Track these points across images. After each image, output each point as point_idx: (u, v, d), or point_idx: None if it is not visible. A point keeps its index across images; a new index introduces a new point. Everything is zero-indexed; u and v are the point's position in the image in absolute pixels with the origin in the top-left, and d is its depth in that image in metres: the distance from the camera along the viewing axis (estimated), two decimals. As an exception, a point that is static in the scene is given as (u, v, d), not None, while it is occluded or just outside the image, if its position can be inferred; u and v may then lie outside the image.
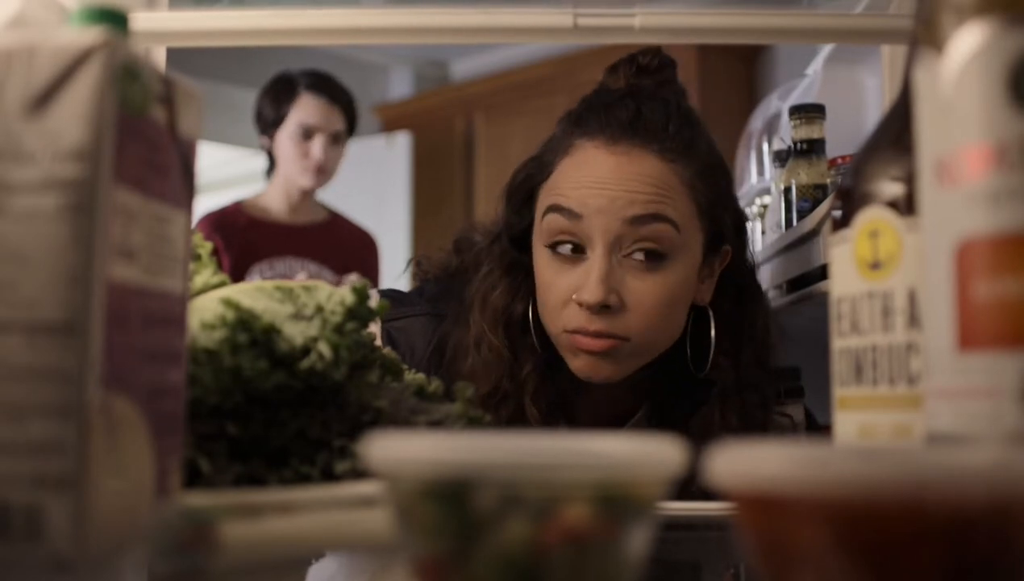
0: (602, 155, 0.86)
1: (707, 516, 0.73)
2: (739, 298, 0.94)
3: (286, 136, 2.27)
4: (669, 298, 0.86)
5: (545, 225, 0.88)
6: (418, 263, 1.09)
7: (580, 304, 0.85)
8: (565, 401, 0.93)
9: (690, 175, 0.87)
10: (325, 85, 2.30)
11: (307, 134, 2.26)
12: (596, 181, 0.85)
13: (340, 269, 2.26)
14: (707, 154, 0.91)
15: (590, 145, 0.87)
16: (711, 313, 0.92)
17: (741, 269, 0.95)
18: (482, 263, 0.97)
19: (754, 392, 0.93)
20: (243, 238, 2.22)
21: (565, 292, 0.86)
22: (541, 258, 0.89)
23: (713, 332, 0.91)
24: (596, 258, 0.84)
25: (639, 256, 0.85)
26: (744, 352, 0.93)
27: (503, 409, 0.91)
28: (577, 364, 0.88)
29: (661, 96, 0.91)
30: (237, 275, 2.12)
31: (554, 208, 0.87)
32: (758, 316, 0.95)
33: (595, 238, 0.85)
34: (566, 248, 0.86)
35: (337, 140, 2.30)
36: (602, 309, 0.84)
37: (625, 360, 0.87)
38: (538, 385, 0.91)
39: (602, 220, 0.84)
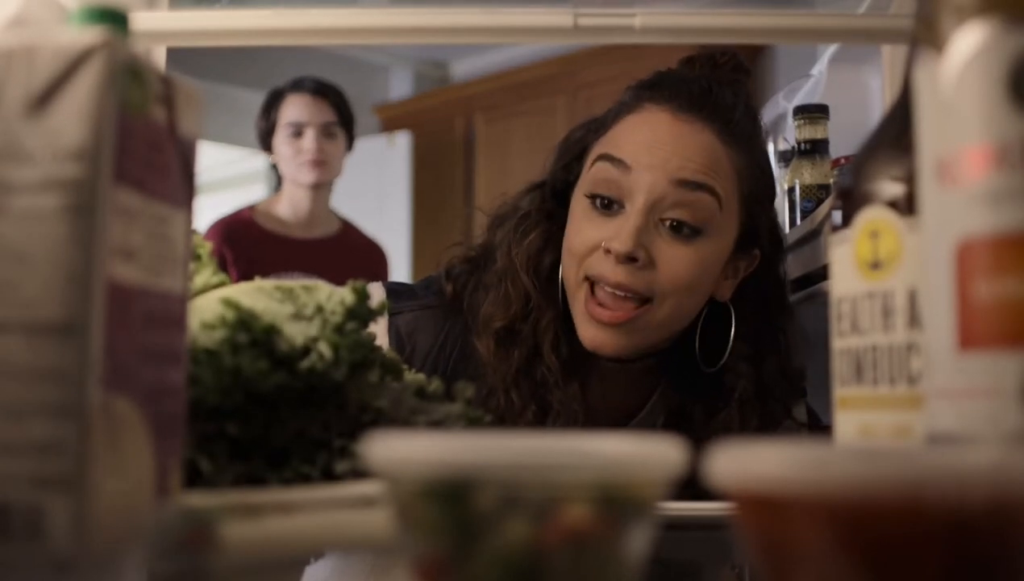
0: (666, 119, 0.88)
1: (708, 516, 0.73)
2: (763, 306, 0.94)
3: (280, 140, 2.27)
4: (695, 273, 0.87)
5: (592, 173, 0.89)
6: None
7: (608, 251, 0.85)
8: (580, 363, 0.93)
9: (741, 165, 0.89)
10: (307, 82, 2.29)
11: (297, 131, 2.25)
12: (653, 140, 0.87)
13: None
14: (760, 156, 0.93)
15: (656, 109, 0.89)
16: (732, 310, 0.92)
17: (768, 279, 0.95)
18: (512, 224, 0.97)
19: (776, 403, 0.93)
20: (252, 252, 2.20)
21: (594, 240, 0.87)
22: (578, 206, 0.90)
23: (733, 330, 0.92)
24: (634, 212, 0.85)
25: (674, 224, 0.85)
26: (767, 362, 0.93)
27: (516, 349, 0.91)
28: (585, 332, 0.88)
29: (733, 89, 0.92)
30: None
31: (605, 157, 0.88)
32: (784, 329, 0.95)
33: (637, 193, 0.85)
34: (606, 200, 0.87)
35: (330, 133, 2.28)
36: (628, 261, 0.85)
37: (632, 335, 0.87)
38: (557, 334, 0.91)
39: (649, 176, 0.85)
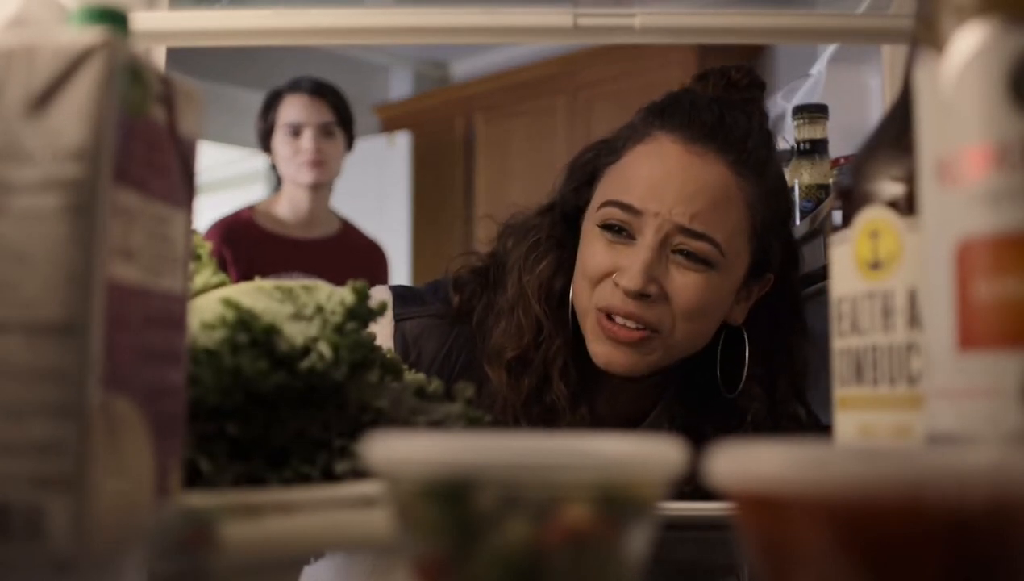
0: (676, 151, 0.87)
1: (708, 516, 0.73)
2: (775, 327, 0.94)
3: (279, 141, 2.27)
4: (706, 300, 0.87)
5: (601, 214, 0.88)
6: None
7: (617, 286, 0.85)
8: (588, 385, 0.93)
9: (754, 195, 0.87)
10: (305, 82, 2.29)
11: (295, 131, 2.25)
12: (663, 175, 0.86)
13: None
14: (775, 180, 0.91)
15: (667, 139, 0.88)
16: (745, 334, 0.92)
17: (782, 299, 0.95)
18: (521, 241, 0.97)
19: (790, 423, 0.92)
20: (252, 252, 2.20)
21: (605, 269, 0.87)
22: (590, 234, 0.90)
23: (747, 352, 0.91)
24: (644, 246, 0.85)
25: (685, 254, 0.85)
26: (779, 382, 0.92)
27: (527, 378, 0.91)
28: (598, 349, 0.88)
29: (746, 111, 0.91)
30: None
31: (614, 202, 0.87)
32: (797, 349, 0.94)
33: (648, 230, 0.85)
34: (617, 227, 0.87)
35: (329, 132, 2.28)
36: (639, 296, 0.85)
37: (646, 355, 0.87)
38: (566, 361, 0.91)
39: (658, 219, 0.85)
